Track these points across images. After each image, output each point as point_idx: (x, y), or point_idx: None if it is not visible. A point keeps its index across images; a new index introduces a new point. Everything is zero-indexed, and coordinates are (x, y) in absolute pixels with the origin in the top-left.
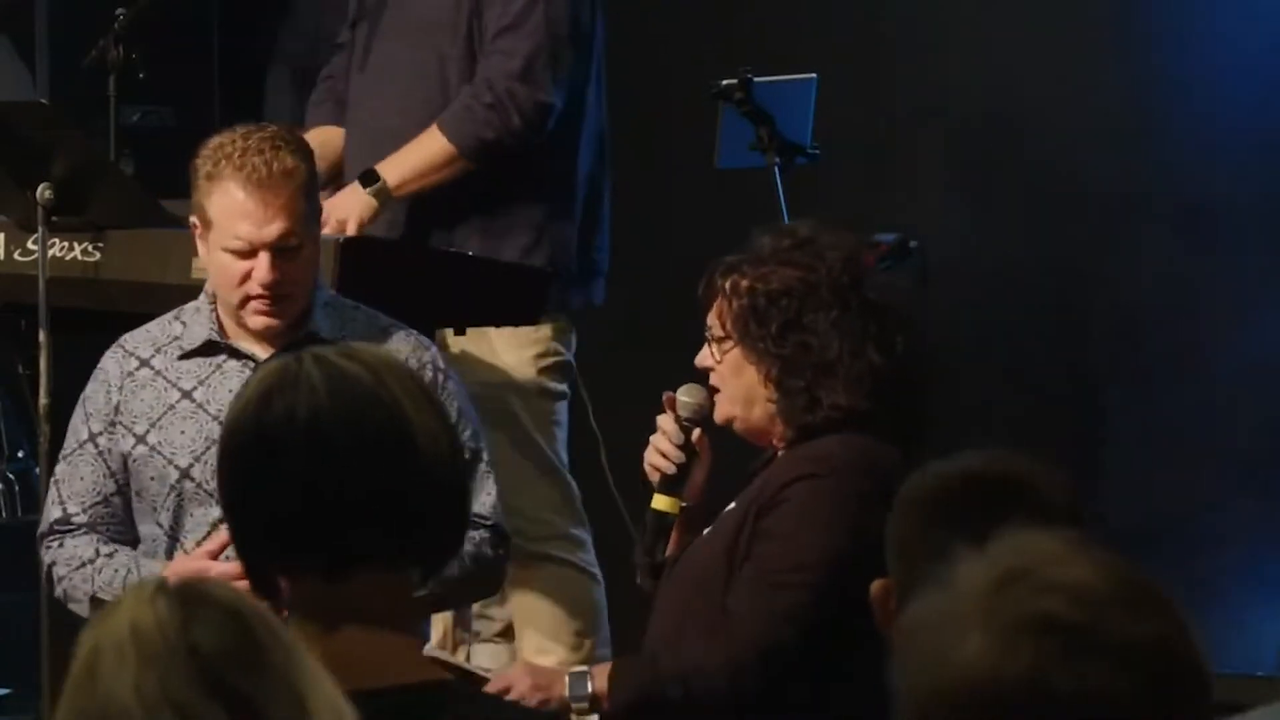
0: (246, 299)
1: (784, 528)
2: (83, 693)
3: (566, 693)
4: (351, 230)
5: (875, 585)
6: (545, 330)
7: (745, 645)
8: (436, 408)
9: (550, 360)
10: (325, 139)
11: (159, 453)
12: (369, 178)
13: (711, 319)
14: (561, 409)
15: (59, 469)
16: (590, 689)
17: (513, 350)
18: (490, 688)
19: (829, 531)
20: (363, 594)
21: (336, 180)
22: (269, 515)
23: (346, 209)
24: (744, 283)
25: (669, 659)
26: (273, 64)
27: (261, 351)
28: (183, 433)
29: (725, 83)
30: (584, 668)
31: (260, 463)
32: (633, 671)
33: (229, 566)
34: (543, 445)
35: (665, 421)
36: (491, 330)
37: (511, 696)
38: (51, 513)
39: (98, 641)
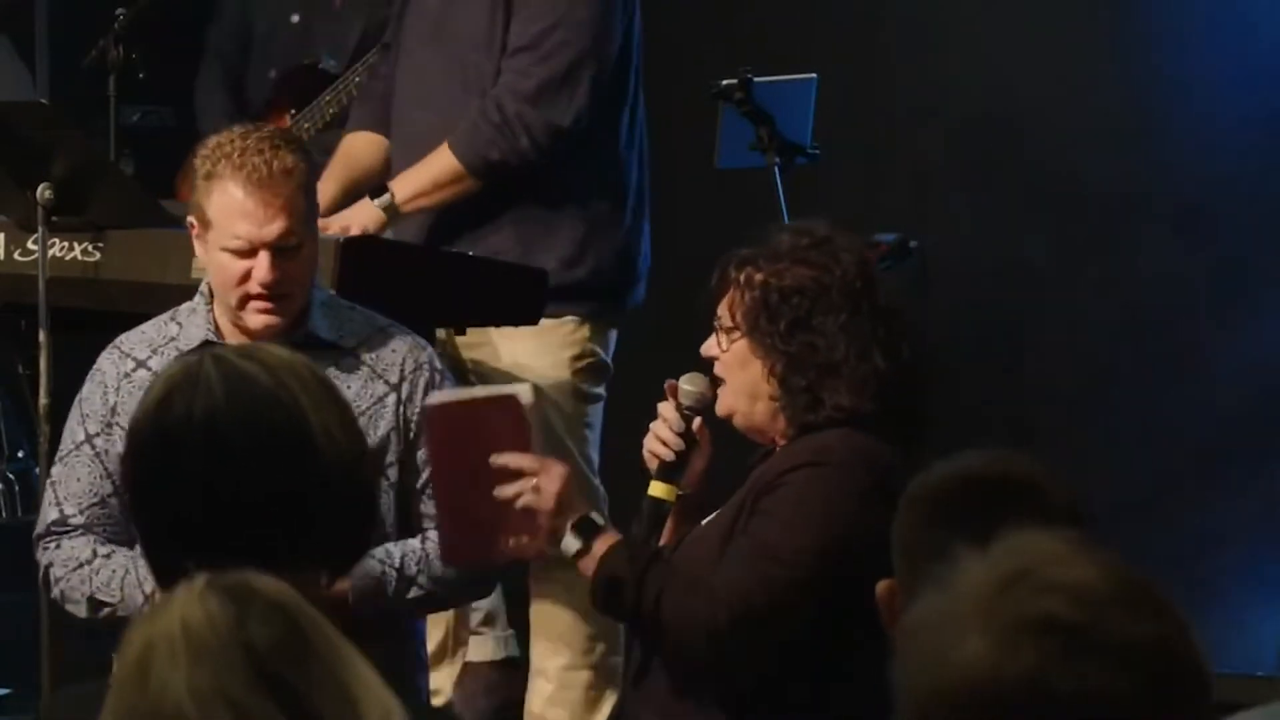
0: (246, 299)
1: (780, 509)
2: (134, 691)
3: (571, 525)
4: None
5: (881, 586)
6: (584, 330)
7: (721, 606)
8: (341, 407)
9: (586, 361)
10: (363, 148)
11: None
12: (378, 191)
13: (722, 309)
14: (595, 411)
15: (55, 470)
16: (589, 543)
17: (550, 351)
18: (527, 463)
19: (823, 519)
20: None
21: (356, 192)
22: (171, 515)
23: (353, 219)
24: (758, 276)
25: (660, 570)
26: (203, 62)
27: None
28: None
29: (725, 83)
30: (600, 518)
31: (160, 463)
32: (622, 563)
33: None
34: (573, 449)
35: (666, 409)
36: (529, 330)
37: (537, 483)
38: (48, 514)
39: (149, 639)
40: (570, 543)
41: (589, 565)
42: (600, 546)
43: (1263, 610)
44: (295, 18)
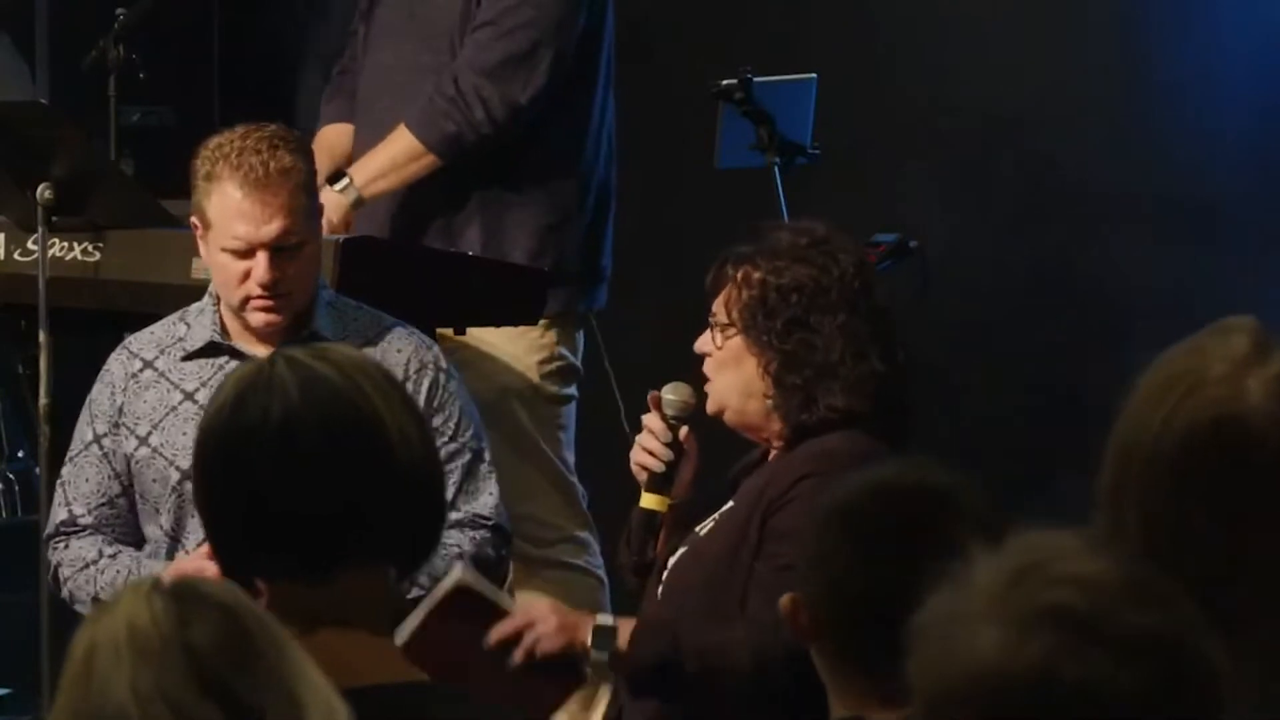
0: (247, 299)
1: (794, 525)
2: (79, 691)
3: (590, 641)
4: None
5: (784, 600)
6: (551, 335)
7: (768, 641)
8: (410, 407)
9: (555, 365)
10: (336, 138)
11: (160, 454)
12: (335, 177)
13: (717, 305)
14: (566, 412)
15: (65, 470)
16: (614, 644)
17: (517, 354)
18: (515, 623)
19: None
20: (339, 595)
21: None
22: (244, 519)
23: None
24: (756, 274)
25: (690, 634)
26: (303, 66)
27: (263, 352)
28: (184, 434)
29: (725, 83)
30: (610, 619)
31: (234, 467)
32: (653, 638)
33: None
34: (546, 449)
35: (652, 420)
36: (496, 333)
37: (534, 633)
38: (57, 514)
39: (94, 639)
40: (598, 656)
41: (621, 666)
42: (623, 642)
43: None
44: None
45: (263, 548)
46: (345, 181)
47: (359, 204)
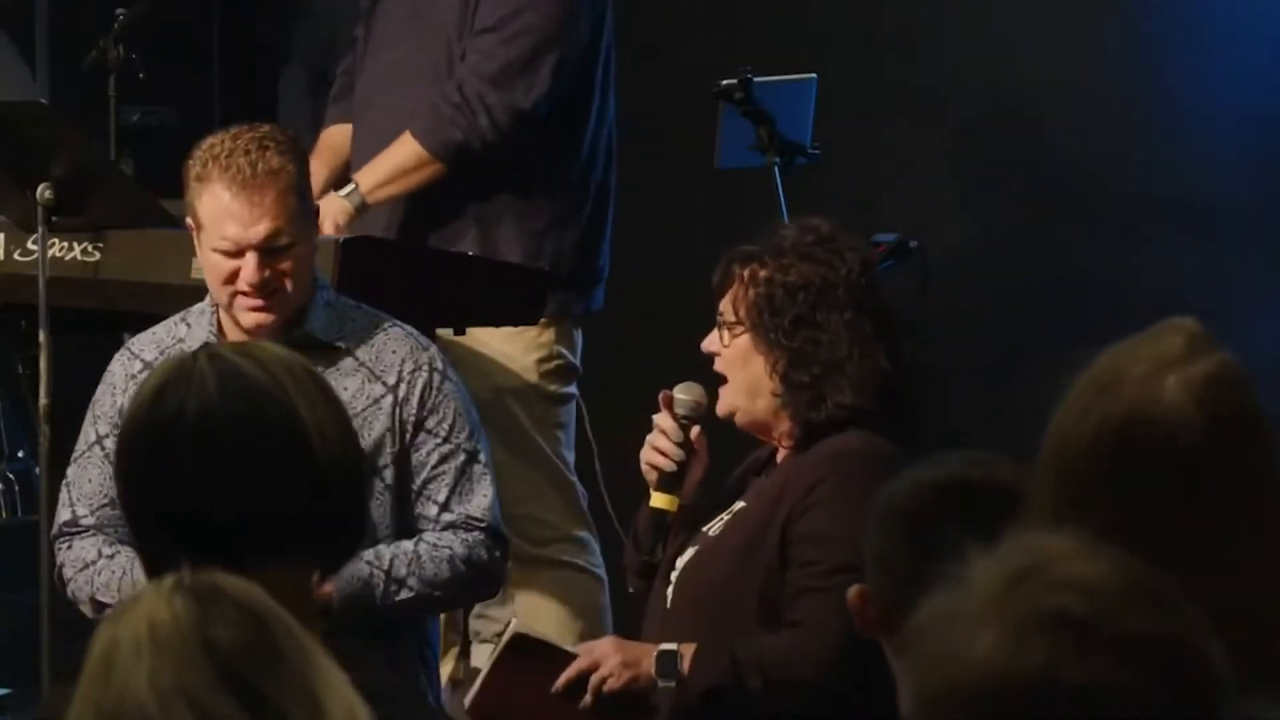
0: (236, 298)
1: (823, 529)
2: (98, 687)
3: (654, 670)
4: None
5: (852, 592)
6: (549, 334)
7: (823, 643)
8: (334, 407)
9: (553, 364)
10: (341, 139)
11: None
12: (342, 184)
13: (724, 304)
14: (565, 412)
15: (70, 471)
16: (679, 669)
17: (515, 354)
18: (579, 665)
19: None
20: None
21: (345, 179)
22: (162, 512)
23: (322, 214)
24: (762, 272)
25: (746, 650)
26: (285, 67)
27: None
28: None
29: (725, 83)
30: (673, 646)
31: (152, 458)
32: (712, 659)
33: None
34: (546, 449)
35: (663, 420)
36: (494, 333)
37: (600, 674)
38: (61, 515)
39: (115, 636)
40: (665, 685)
41: (687, 690)
42: (685, 667)
43: None
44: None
45: (180, 541)
46: (350, 187)
47: (363, 209)
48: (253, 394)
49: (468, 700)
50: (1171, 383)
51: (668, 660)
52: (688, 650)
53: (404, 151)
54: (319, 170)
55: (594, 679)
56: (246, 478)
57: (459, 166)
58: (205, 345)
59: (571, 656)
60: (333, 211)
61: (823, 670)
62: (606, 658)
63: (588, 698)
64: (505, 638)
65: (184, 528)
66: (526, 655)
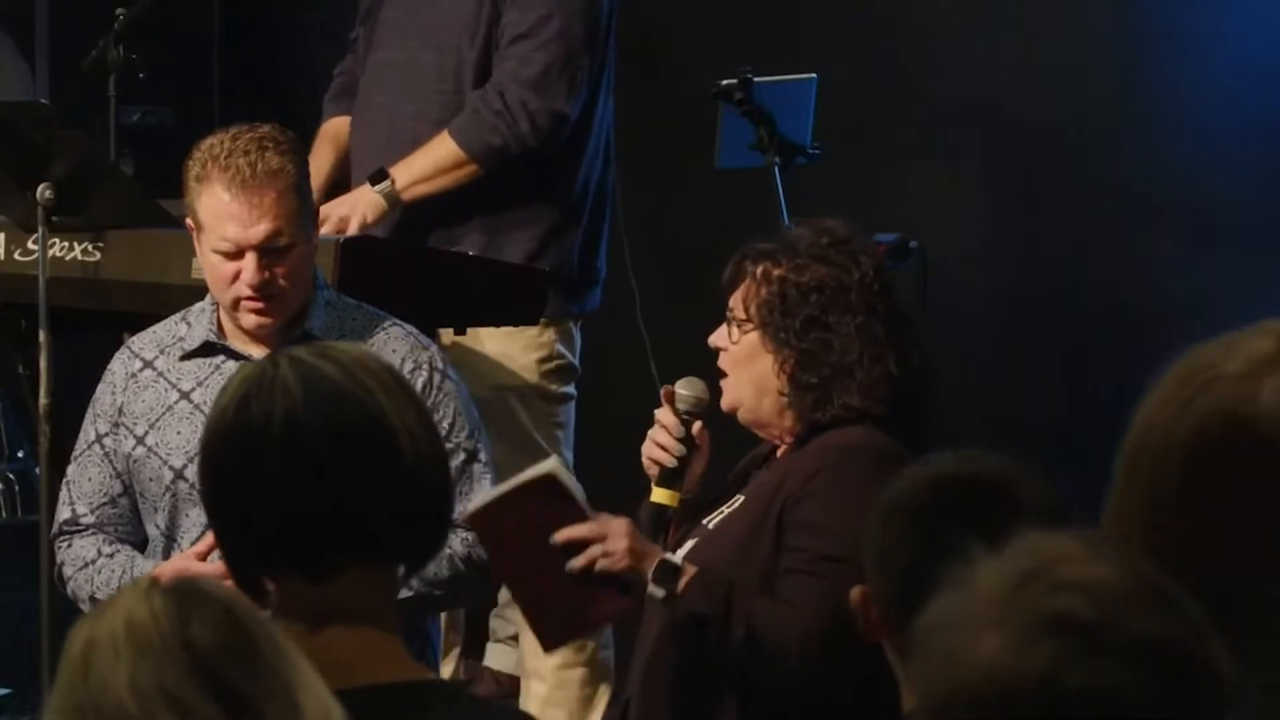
0: (237, 299)
1: (816, 516)
2: (77, 686)
3: (651, 575)
4: (353, 228)
5: (854, 592)
6: (549, 334)
7: (805, 626)
8: (415, 404)
9: (554, 364)
10: (341, 129)
11: (155, 454)
12: (378, 177)
13: (735, 301)
14: (564, 411)
15: (70, 470)
16: (674, 584)
17: (516, 354)
18: (588, 530)
19: (860, 514)
20: (346, 593)
21: (345, 168)
22: (250, 519)
23: (352, 206)
24: (776, 271)
25: (744, 600)
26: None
27: (258, 352)
28: (179, 433)
29: (725, 83)
30: (678, 557)
31: (239, 468)
32: (709, 591)
33: (214, 567)
34: (545, 448)
35: (664, 415)
36: (494, 333)
37: (603, 548)
38: (61, 513)
39: (92, 635)
40: (655, 591)
41: (674, 606)
42: (682, 585)
43: None
44: None
45: (268, 547)
46: (386, 183)
47: (395, 205)
48: (339, 396)
49: (472, 507)
50: (1269, 386)
51: (667, 570)
52: (689, 571)
53: (442, 152)
54: (322, 157)
55: (595, 549)
56: (337, 481)
57: (495, 170)
58: (283, 350)
59: (585, 517)
60: (362, 205)
61: (805, 649)
62: (616, 537)
63: (579, 561)
64: (539, 470)
65: (273, 534)
66: (546, 496)
